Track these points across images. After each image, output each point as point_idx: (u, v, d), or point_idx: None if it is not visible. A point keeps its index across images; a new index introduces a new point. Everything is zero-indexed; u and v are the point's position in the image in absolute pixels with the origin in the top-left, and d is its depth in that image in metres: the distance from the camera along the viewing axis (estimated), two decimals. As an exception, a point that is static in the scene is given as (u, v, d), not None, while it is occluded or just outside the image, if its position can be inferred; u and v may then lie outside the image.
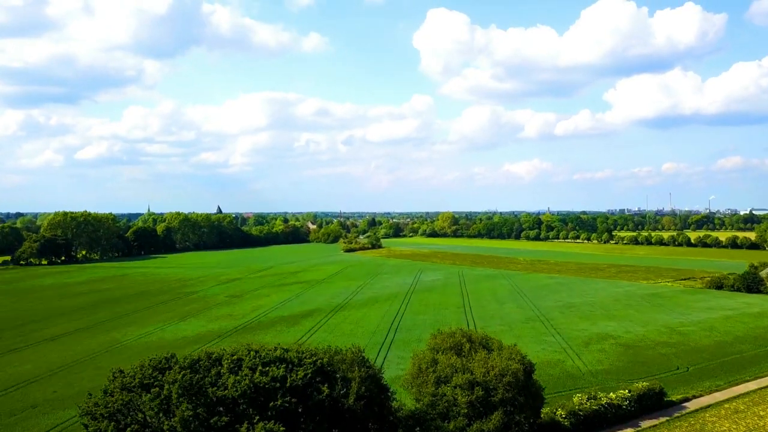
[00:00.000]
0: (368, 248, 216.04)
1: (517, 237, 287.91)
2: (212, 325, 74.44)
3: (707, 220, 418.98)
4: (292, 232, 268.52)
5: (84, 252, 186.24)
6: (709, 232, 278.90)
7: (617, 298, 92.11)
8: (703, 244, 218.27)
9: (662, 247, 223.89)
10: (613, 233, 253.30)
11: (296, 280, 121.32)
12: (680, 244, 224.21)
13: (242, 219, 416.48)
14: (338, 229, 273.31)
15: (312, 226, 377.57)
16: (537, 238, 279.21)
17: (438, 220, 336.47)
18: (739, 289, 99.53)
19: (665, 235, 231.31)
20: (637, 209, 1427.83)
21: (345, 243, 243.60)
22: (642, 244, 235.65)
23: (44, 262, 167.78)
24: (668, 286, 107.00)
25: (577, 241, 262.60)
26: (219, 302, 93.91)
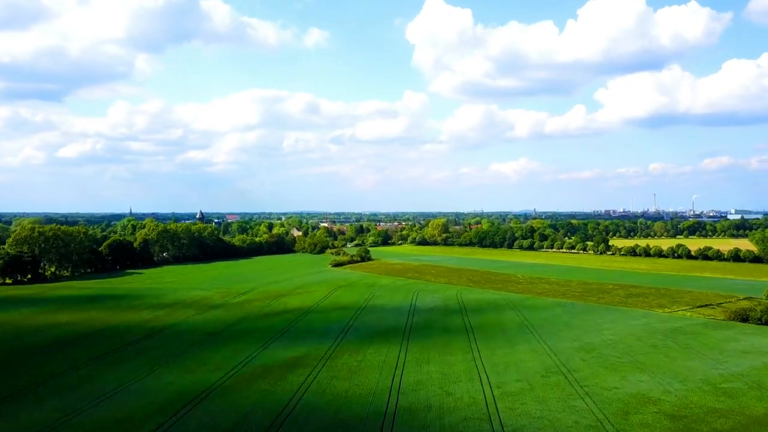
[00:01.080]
0: (357, 261, 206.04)
1: (510, 246, 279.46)
2: (181, 381, 63.82)
3: (699, 227, 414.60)
4: (276, 242, 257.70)
5: (53, 269, 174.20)
6: (707, 243, 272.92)
7: (638, 336, 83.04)
8: (703, 256, 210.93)
9: (662, 259, 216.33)
10: (609, 243, 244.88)
11: (282, 308, 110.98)
12: (679, 256, 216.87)
13: (225, 225, 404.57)
14: (325, 239, 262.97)
15: (297, 233, 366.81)
16: (531, 247, 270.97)
17: (428, 227, 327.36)
18: (767, 323, 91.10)
19: (664, 246, 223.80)
20: (622, 210, 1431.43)
21: (333, 254, 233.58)
22: (640, 255, 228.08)
23: (8, 281, 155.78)
24: (688, 317, 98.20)
25: (573, 251, 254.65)
26: (193, 342, 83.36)
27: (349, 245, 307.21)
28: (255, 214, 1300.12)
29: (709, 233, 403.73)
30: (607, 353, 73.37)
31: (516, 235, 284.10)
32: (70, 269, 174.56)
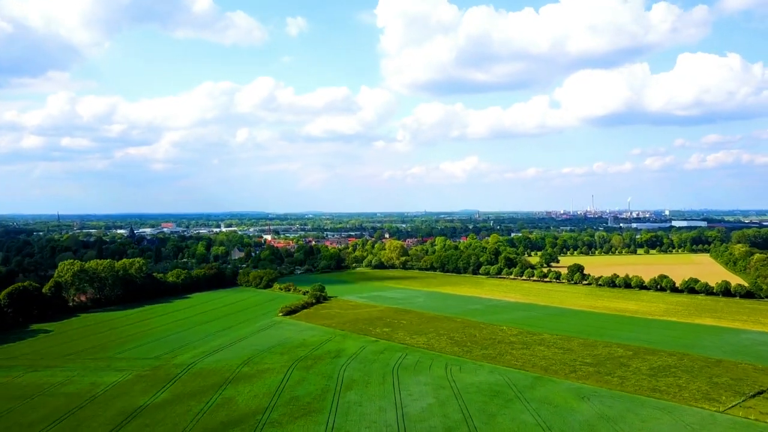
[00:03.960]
0: (312, 304, 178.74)
1: (475, 272, 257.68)
2: None
3: (657, 240, 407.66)
4: (216, 275, 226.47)
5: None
6: (671, 260, 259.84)
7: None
8: (689, 289, 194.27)
9: (646, 293, 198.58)
10: (585, 273, 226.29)
11: (226, 415, 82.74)
12: (663, 289, 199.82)
13: (159, 245, 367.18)
14: (272, 271, 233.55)
15: (239, 254, 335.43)
16: (498, 274, 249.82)
17: (385, 249, 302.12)
18: None
19: (646, 278, 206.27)
20: (562, 212, 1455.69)
21: (281, 290, 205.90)
22: (619, 287, 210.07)
23: None
24: (752, 425, 76.40)
25: (545, 280, 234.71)
26: None
27: (298, 271, 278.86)
28: (196, 216, 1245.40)
29: (667, 247, 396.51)
30: None
31: (481, 260, 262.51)
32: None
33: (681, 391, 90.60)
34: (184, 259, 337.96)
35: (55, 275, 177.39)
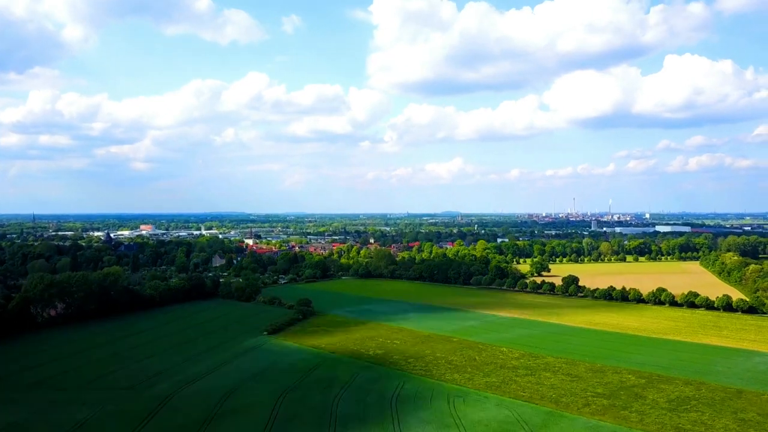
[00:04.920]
0: (299, 319, 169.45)
1: (466, 282, 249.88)
2: None
3: (645, 247, 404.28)
4: (195, 286, 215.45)
5: None
6: (661, 268, 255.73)
7: None
8: (689, 304, 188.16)
9: (645, 307, 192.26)
10: (580, 284, 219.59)
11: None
12: (662, 303, 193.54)
13: (136, 251, 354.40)
14: (254, 282, 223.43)
15: (221, 261, 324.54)
16: (490, 284, 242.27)
17: (373, 258, 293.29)
18: None
19: (642, 290, 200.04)
20: (544, 214, 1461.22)
21: (265, 302, 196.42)
22: (616, 300, 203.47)
23: None
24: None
25: (539, 292, 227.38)
26: None
27: (282, 280, 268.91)
28: (175, 217, 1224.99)
29: (656, 254, 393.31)
30: None
31: (471, 269, 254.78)
32: None
33: (707, 430, 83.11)
34: (163, 266, 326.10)
35: (23, 290, 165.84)
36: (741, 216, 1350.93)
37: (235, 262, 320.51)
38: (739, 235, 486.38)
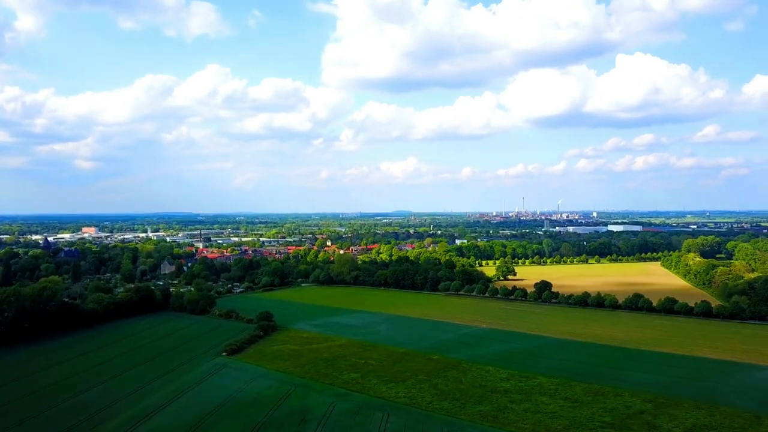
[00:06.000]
0: (260, 336, 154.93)
1: (433, 288, 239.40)
2: None
3: (605, 247, 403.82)
4: (143, 298, 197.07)
5: None
6: (622, 268, 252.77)
7: None
8: (666, 310, 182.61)
9: (622, 314, 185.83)
10: (554, 290, 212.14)
11: None
12: (639, 309, 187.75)
13: (78, 258, 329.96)
14: (208, 293, 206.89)
15: (170, 268, 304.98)
16: (458, 290, 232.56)
17: (334, 264, 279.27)
18: None
19: (619, 298, 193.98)
20: (495, 213, 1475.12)
21: (220, 316, 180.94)
22: (592, 306, 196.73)
23: None
24: None
25: (511, 298, 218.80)
26: None
27: (237, 289, 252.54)
28: (120, 218, 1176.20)
29: (616, 255, 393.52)
30: None
31: (438, 274, 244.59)
32: None
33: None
34: (108, 274, 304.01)
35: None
36: (682, 214, 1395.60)
37: (185, 268, 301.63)
38: (694, 235, 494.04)
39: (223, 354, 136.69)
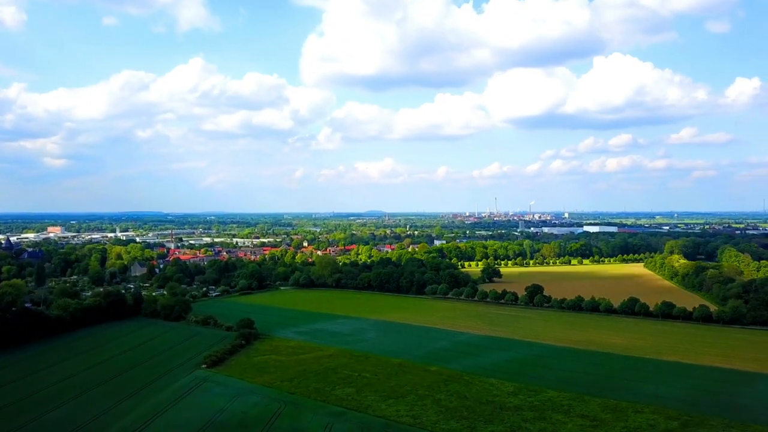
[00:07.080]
0: (242, 345, 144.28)
1: (420, 291, 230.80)
2: None
3: (586, 249, 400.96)
4: (113, 304, 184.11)
5: None
6: (604, 270, 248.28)
7: None
8: (664, 315, 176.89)
9: (618, 320, 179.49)
10: (546, 294, 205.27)
11: None
12: (635, 314, 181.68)
13: (42, 259, 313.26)
14: (183, 298, 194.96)
15: (141, 270, 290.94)
16: (446, 294, 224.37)
17: (316, 266, 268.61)
18: None
19: (614, 302, 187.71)
20: (468, 213, 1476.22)
21: (197, 322, 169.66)
22: (586, 311, 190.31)
23: None
24: None
25: (501, 302, 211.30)
26: None
27: (213, 293, 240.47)
28: (88, 217, 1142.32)
29: (596, 256, 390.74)
30: None
31: (425, 277, 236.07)
32: None
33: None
34: (75, 276, 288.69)
35: None
36: (651, 215, 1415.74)
37: (157, 270, 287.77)
38: (670, 236, 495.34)
39: (203, 366, 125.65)
